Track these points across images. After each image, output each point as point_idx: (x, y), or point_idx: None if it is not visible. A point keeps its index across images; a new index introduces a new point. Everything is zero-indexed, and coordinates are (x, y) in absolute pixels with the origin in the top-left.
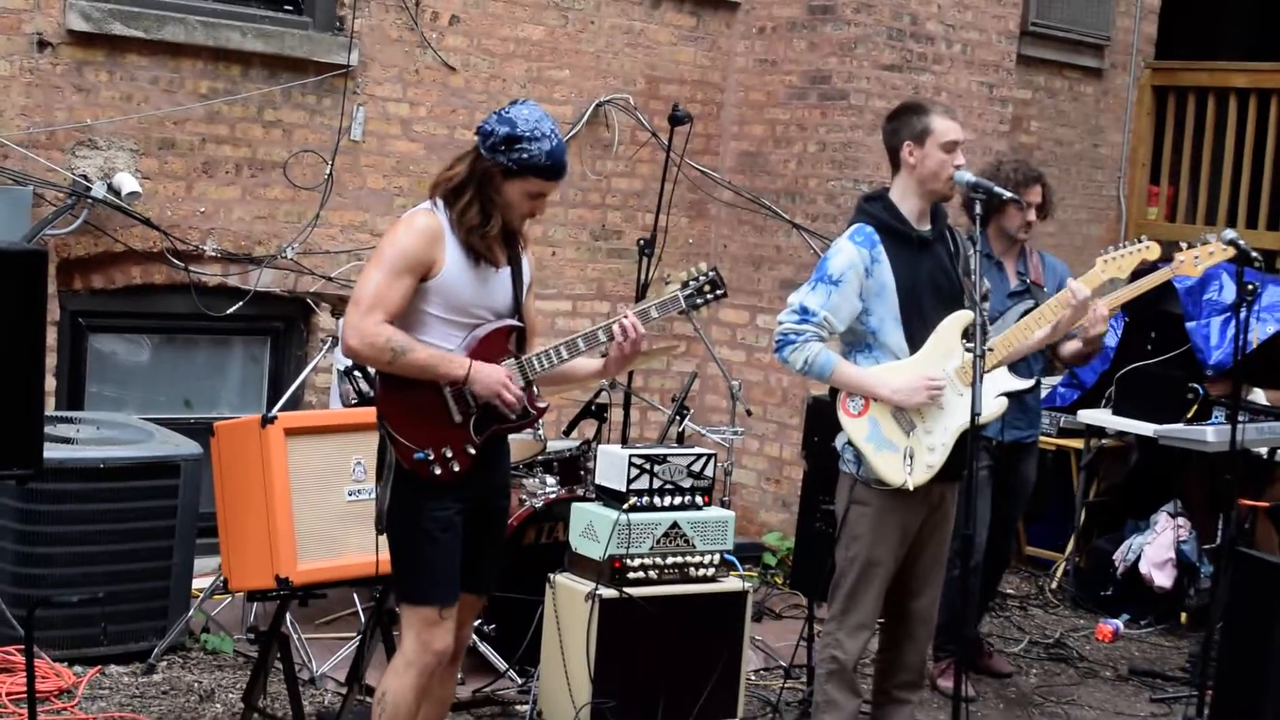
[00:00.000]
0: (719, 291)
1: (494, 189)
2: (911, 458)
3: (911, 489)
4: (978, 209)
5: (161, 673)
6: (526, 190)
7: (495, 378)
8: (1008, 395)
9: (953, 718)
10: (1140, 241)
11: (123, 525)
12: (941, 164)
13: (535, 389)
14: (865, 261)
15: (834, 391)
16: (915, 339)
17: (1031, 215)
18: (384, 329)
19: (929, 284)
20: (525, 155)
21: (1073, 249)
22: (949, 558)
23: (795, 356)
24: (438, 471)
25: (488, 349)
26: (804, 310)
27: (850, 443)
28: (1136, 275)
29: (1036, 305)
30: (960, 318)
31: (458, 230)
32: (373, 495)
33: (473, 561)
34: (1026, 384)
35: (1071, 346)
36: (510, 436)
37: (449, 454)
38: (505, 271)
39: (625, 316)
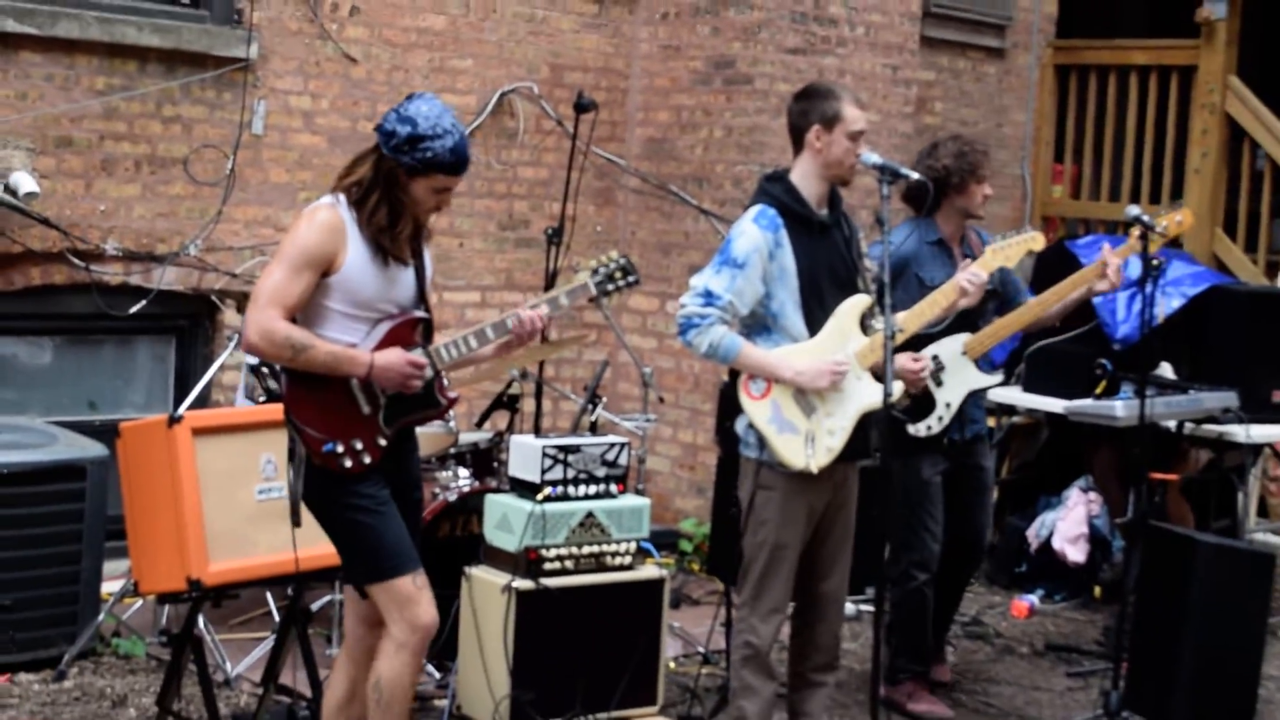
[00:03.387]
0: (630, 278)
1: (400, 189)
2: (813, 441)
3: (815, 471)
4: (885, 190)
5: (73, 679)
6: (432, 186)
7: (397, 369)
8: (977, 392)
9: None
10: (1026, 231)
11: (28, 531)
12: (846, 152)
13: (445, 379)
14: (769, 245)
15: (734, 374)
16: (814, 323)
17: (989, 189)
18: (282, 325)
19: (827, 269)
20: (430, 154)
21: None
22: (904, 569)
23: (700, 340)
24: (348, 464)
25: (395, 342)
26: (709, 293)
27: (752, 426)
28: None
29: (993, 287)
30: (858, 302)
31: (366, 230)
32: (284, 493)
33: None
34: (996, 380)
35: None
36: (422, 429)
37: (359, 445)
38: (409, 265)
39: (525, 308)
